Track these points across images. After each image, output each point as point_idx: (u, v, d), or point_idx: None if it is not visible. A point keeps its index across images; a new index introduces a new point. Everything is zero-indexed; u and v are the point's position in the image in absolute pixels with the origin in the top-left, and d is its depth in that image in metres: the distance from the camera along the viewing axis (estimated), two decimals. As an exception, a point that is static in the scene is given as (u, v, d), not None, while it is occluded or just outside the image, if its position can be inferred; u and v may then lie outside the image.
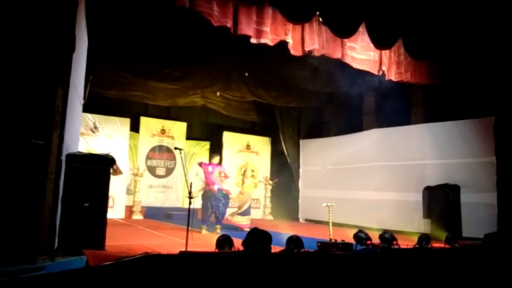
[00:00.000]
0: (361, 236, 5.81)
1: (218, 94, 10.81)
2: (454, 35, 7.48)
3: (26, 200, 3.88)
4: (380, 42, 7.00)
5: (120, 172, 6.24)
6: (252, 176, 10.18)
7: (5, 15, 3.88)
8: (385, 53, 7.48)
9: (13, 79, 3.91)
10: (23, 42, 3.98)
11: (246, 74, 9.21)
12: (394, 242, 5.93)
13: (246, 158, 12.90)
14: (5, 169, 3.76)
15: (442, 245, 6.51)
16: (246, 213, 8.89)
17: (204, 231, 7.78)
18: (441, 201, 8.19)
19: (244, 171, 10.11)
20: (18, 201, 3.83)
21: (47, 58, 4.13)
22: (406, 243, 6.17)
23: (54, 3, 4.22)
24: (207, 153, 13.07)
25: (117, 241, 5.93)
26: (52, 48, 4.17)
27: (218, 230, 7.85)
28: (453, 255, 6.02)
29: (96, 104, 9.28)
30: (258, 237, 3.48)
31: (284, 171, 12.79)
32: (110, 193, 5.35)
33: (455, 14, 7.30)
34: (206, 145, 13.14)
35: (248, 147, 13.00)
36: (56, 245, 4.43)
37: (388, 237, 6.01)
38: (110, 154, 5.24)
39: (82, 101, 6.57)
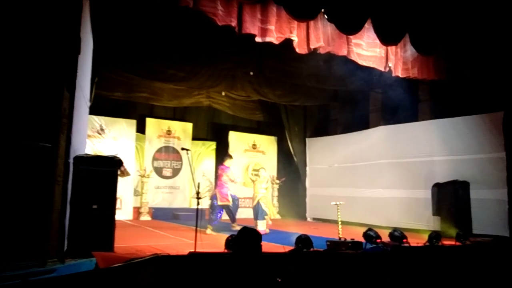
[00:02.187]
0: (370, 235, 5.77)
1: (223, 93, 10.79)
2: (461, 29, 7.38)
3: (35, 203, 3.88)
4: (387, 38, 6.92)
5: (128, 174, 6.23)
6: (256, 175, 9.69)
7: (11, 19, 3.88)
8: (392, 49, 7.40)
9: (19, 83, 3.91)
10: (28, 45, 3.98)
11: (251, 73, 9.16)
12: (404, 240, 5.88)
13: (252, 157, 12.87)
14: (14, 173, 3.76)
15: (453, 243, 6.45)
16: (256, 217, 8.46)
17: (209, 231, 7.93)
18: (450, 198, 8.10)
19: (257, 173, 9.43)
20: (27, 204, 3.84)
21: (53, 60, 4.13)
22: (416, 241, 6.12)
23: (59, 6, 4.22)
24: (213, 153, 13.06)
25: (126, 243, 5.93)
26: (58, 51, 4.18)
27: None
28: (465, 252, 5.95)
29: (102, 106, 9.31)
30: (247, 236, 3.48)
31: (290, 170, 12.75)
32: (118, 194, 5.34)
33: (463, 7, 7.21)
34: (212, 145, 13.12)
35: (254, 146, 12.97)
36: (65, 248, 4.43)
37: (398, 235, 5.95)
38: (117, 155, 5.24)
39: (89, 103, 6.58)
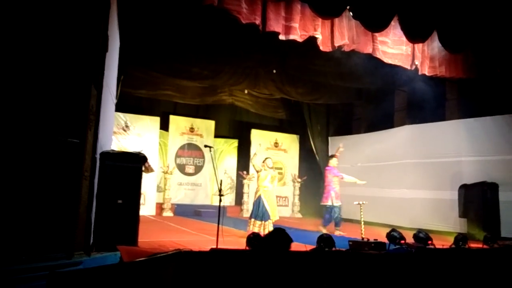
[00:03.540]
0: (394, 235, 5.64)
1: (246, 91, 10.83)
2: (492, 24, 7.13)
3: (63, 197, 3.99)
4: (414, 35, 6.78)
5: (152, 170, 6.34)
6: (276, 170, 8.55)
7: (41, 18, 3.99)
8: (418, 46, 7.24)
9: (49, 80, 4.02)
10: (58, 43, 4.08)
11: (274, 71, 9.16)
12: (429, 242, 5.72)
13: (274, 155, 12.84)
14: (43, 167, 3.88)
15: (480, 246, 6.25)
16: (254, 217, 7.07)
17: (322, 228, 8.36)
18: (478, 199, 7.89)
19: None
20: (56, 198, 3.95)
21: (81, 58, 4.22)
22: (441, 243, 5.95)
23: (88, 5, 4.32)
24: (235, 151, 13.12)
25: (149, 238, 6.03)
26: (86, 49, 4.27)
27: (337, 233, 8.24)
28: (493, 255, 5.76)
29: (127, 103, 9.49)
30: (277, 239, 3.46)
31: (312, 168, 12.66)
32: (142, 190, 5.44)
33: (493, 2, 6.97)
34: (234, 143, 13.19)
35: (276, 144, 12.94)
36: (91, 241, 4.54)
37: (422, 236, 5.80)
38: (142, 152, 5.33)
39: (115, 101, 6.71)
